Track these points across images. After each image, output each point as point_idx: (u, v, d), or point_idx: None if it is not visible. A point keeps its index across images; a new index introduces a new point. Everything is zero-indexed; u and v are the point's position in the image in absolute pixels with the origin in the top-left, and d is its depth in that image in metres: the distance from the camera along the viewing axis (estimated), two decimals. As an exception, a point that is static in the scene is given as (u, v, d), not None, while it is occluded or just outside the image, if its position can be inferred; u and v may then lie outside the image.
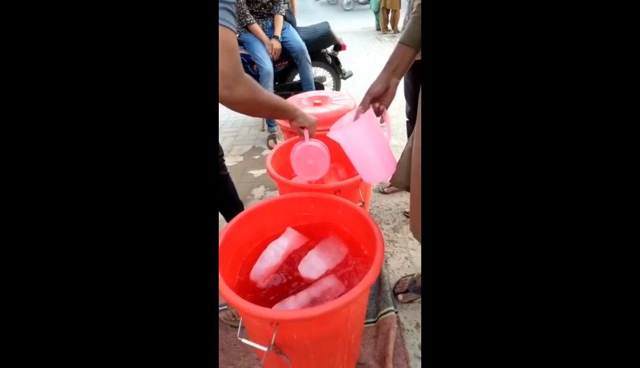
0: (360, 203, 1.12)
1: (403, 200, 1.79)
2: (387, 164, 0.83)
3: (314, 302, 0.79)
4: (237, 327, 0.76)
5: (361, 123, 0.79)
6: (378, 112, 0.81)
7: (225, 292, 0.71)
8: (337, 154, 1.47)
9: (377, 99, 0.80)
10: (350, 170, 1.45)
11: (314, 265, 0.90)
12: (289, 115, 0.93)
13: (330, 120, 1.55)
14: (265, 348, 0.70)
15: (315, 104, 1.69)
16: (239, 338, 0.73)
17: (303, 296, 0.79)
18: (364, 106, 0.80)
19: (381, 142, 0.82)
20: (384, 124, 0.86)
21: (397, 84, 0.79)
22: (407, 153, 0.99)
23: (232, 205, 1.40)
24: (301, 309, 0.73)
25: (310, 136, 0.98)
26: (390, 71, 0.77)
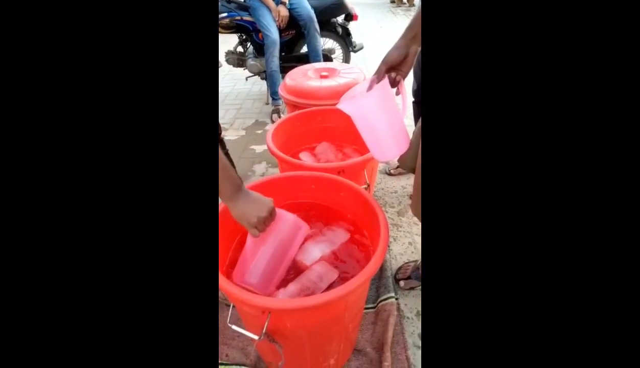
0: (365, 186, 1.05)
1: (409, 183, 1.72)
2: (399, 140, 0.76)
3: (305, 291, 0.73)
4: (231, 305, 0.72)
5: (375, 94, 0.72)
6: (394, 83, 0.73)
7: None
8: (344, 131, 1.40)
9: (394, 68, 0.72)
10: (357, 147, 1.38)
11: (310, 252, 0.84)
12: (222, 194, 0.64)
13: (338, 93, 1.46)
14: (256, 337, 0.66)
15: (322, 76, 1.59)
16: (229, 324, 0.69)
17: (293, 286, 0.74)
18: (379, 75, 0.72)
19: (395, 117, 0.74)
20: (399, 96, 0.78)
21: (417, 52, 0.70)
22: (418, 133, 0.92)
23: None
24: (295, 299, 0.68)
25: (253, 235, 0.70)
26: (410, 37, 0.68)
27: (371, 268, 0.66)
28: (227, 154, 1.33)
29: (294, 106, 1.51)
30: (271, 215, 0.70)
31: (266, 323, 0.63)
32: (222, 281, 0.65)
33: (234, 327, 0.68)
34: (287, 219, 0.75)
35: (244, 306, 0.67)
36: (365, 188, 1.00)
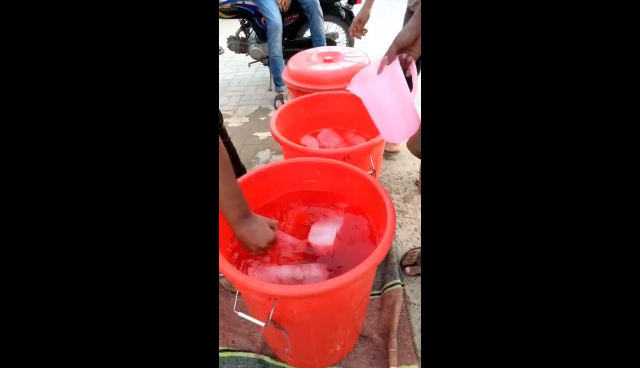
0: (371, 171, 1.03)
1: (415, 169, 1.70)
2: (409, 122, 0.76)
3: (293, 281, 0.73)
4: (237, 293, 0.72)
5: (385, 77, 0.71)
6: (405, 64, 0.72)
7: (221, 262, 0.65)
8: (348, 116, 1.38)
9: (405, 49, 0.70)
10: (361, 131, 1.36)
11: (322, 232, 0.83)
12: (227, 218, 0.68)
13: (342, 78, 1.43)
14: (262, 324, 0.65)
15: (326, 61, 1.55)
16: (235, 311, 0.68)
17: (286, 271, 0.74)
18: (389, 56, 0.71)
19: (405, 98, 0.74)
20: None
21: None
22: None
23: (234, 171, 1.34)
24: (302, 286, 0.67)
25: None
26: None
27: (378, 254, 0.64)
28: (229, 143, 1.31)
29: (297, 91, 1.48)
30: (271, 245, 0.73)
31: (272, 310, 0.63)
32: (227, 268, 0.64)
33: (240, 314, 0.68)
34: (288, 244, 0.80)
35: (250, 293, 0.67)
36: (371, 174, 0.99)
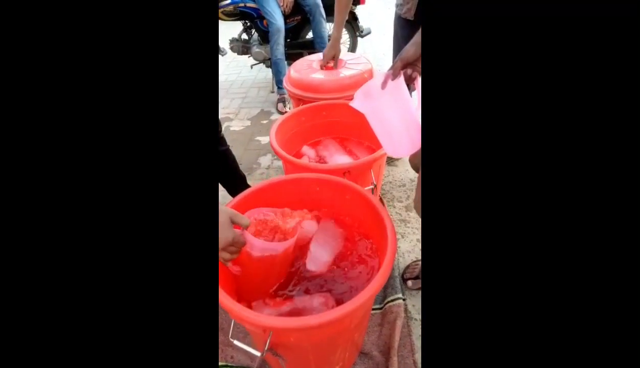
0: (372, 186, 1.01)
1: (418, 176, 1.68)
2: (413, 137, 0.74)
3: (295, 314, 0.72)
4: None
5: (389, 93, 0.70)
6: (409, 79, 0.70)
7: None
8: (350, 125, 1.35)
9: (410, 64, 0.68)
10: (364, 141, 1.34)
11: (318, 257, 0.82)
12: None
13: (343, 87, 1.40)
14: (258, 354, 0.64)
15: (327, 68, 1.52)
16: (231, 339, 0.67)
17: (286, 307, 0.72)
18: (394, 72, 0.69)
19: (409, 114, 0.73)
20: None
21: None
22: None
23: (233, 179, 1.33)
24: (298, 318, 0.66)
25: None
26: None
27: (378, 281, 0.63)
28: (228, 150, 1.30)
29: (298, 100, 1.46)
30: (234, 247, 0.63)
31: (268, 341, 0.61)
32: (223, 297, 0.63)
33: (237, 343, 0.67)
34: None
35: (245, 324, 0.65)
36: (372, 189, 0.97)
